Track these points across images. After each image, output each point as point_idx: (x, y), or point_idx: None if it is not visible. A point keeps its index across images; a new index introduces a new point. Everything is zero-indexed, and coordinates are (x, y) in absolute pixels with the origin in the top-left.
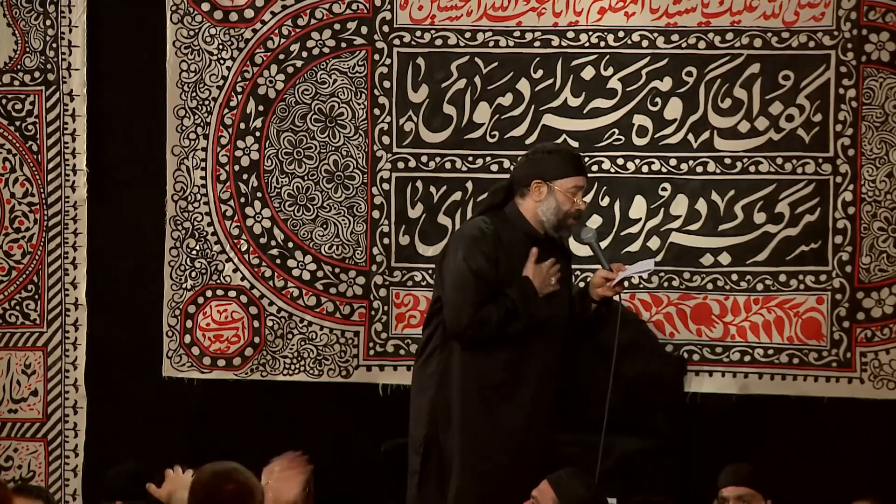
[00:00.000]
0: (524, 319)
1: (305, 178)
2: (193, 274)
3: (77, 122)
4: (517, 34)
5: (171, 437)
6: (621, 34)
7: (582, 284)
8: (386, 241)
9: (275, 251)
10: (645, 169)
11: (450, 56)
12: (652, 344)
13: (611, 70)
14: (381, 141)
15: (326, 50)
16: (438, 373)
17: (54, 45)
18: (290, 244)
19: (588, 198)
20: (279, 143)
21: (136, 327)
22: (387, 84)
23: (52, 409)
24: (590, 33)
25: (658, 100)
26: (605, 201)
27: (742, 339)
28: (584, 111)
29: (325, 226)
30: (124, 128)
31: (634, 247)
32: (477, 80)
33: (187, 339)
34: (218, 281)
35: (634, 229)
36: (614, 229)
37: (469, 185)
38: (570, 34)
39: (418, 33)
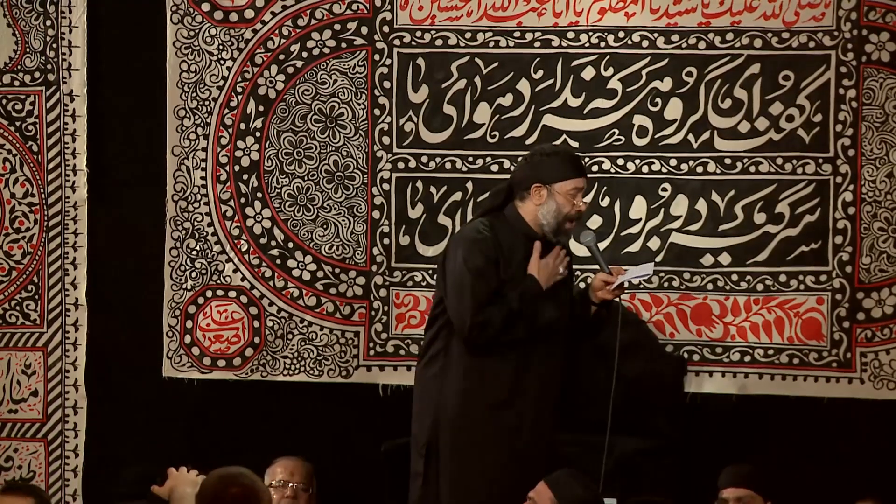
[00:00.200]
0: (528, 320)
1: (305, 178)
2: (193, 274)
3: (77, 123)
4: (517, 34)
5: (171, 437)
6: (621, 34)
7: (582, 286)
8: (386, 241)
9: (275, 251)
10: (645, 169)
11: (450, 56)
12: (652, 344)
13: (611, 70)
14: (382, 141)
15: (327, 50)
16: (440, 375)
17: (54, 46)
18: (291, 244)
19: (588, 198)
20: (279, 143)
21: (136, 327)
22: (387, 84)
23: (53, 410)
24: (590, 34)
25: (658, 100)
26: (606, 202)
27: (742, 339)
28: (585, 111)
29: (325, 226)
30: (124, 128)
31: (634, 247)
32: (477, 80)
33: (187, 339)
34: (218, 281)
35: (634, 230)
36: (614, 230)
37: (469, 185)
38: (571, 34)
39: (418, 34)
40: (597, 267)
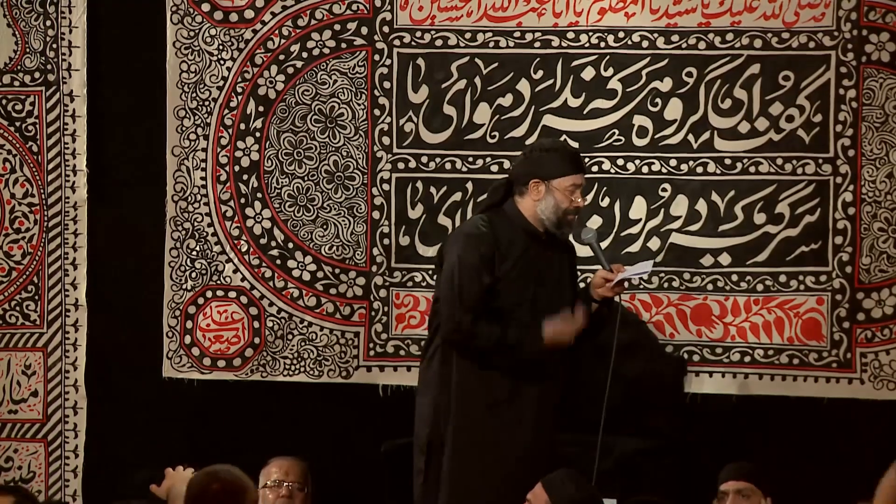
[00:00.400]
0: (510, 359)
1: (305, 178)
2: (193, 274)
3: (77, 123)
4: (517, 35)
5: (171, 437)
6: (621, 35)
7: (582, 285)
8: (386, 241)
9: (275, 252)
10: (645, 169)
11: (450, 57)
12: (652, 344)
13: (611, 70)
14: (382, 141)
15: (326, 50)
16: (440, 373)
17: (54, 46)
18: (291, 245)
19: (588, 198)
20: (279, 143)
21: (136, 328)
22: (387, 85)
23: (52, 410)
24: (590, 34)
25: (658, 100)
26: (606, 202)
27: (742, 339)
28: (585, 112)
29: (325, 226)
30: (124, 128)
31: (635, 247)
32: (477, 80)
33: (187, 339)
34: (218, 281)
35: (634, 230)
36: (614, 230)
37: (469, 185)
38: (571, 35)
39: (418, 34)
40: (597, 267)
